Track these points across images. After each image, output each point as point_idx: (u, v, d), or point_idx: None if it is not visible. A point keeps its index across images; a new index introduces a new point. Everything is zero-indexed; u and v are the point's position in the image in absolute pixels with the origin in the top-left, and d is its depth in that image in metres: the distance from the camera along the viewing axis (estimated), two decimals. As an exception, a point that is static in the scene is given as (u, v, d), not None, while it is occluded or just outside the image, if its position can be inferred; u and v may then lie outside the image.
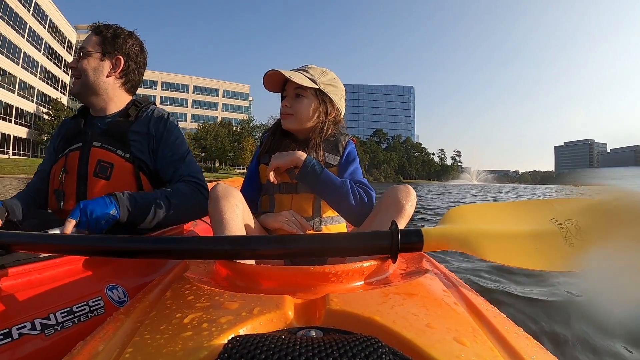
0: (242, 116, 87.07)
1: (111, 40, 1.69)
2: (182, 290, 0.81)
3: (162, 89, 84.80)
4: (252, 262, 1.14)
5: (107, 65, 1.68)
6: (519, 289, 2.34)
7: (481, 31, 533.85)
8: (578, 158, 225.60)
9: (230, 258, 0.96)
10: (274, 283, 0.88)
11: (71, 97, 60.58)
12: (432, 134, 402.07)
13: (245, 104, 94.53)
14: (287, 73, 1.44)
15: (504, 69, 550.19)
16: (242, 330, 0.58)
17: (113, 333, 0.65)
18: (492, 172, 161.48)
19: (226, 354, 0.41)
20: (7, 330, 0.92)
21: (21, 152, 48.41)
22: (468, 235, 0.90)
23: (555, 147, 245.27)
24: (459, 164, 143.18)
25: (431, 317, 0.64)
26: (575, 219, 0.91)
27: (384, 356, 0.41)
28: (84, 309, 1.11)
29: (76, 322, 1.07)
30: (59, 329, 1.01)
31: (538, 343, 0.70)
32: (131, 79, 1.78)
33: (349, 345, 0.42)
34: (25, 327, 0.95)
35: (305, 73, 1.50)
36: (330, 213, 1.49)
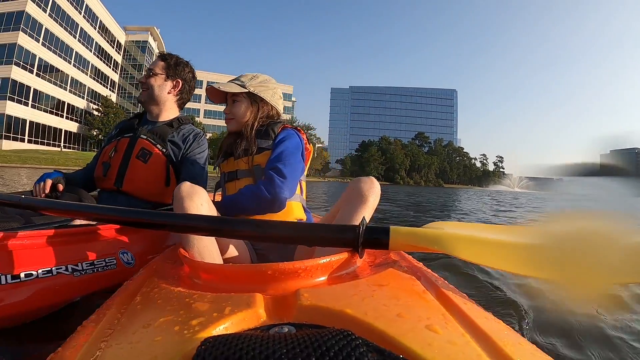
0: (286, 116, 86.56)
1: (174, 67, 2.21)
2: (151, 294, 0.82)
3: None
4: (220, 261, 1.23)
5: (169, 84, 2.20)
6: (487, 276, 2.40)
7: (534, 36, 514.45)
8: (624, 167, 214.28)
9: (214, 234, 1.15)
10: (243, 281, 0.88)
11: (120, 94, 63.83)
12: (474, 139, 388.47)
13: (288, 104, 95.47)
14: (217, 85, 1.69)
15: (554, 77, 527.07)
16: (215, 331, 0.58)
17: (84, 342, 0.66)
18: (534, 179, 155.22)
19: (200, 356, 0.41)
20: (50, 269, 1.35)
21: (72, 145, 50.62)
22: (441, 236, 0.86)
23: (600, 155, 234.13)
24: (501, 169, 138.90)
25: (402, 307, 0.64)
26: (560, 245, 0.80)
27: (357, 348, 0.41)
28: (102, 263, 1.54)
29: (95, 271, 1.50)
30: (83, 273, 1.45)
31: (507, 326, 0.71)
32: (184, 97, 2.29)
33: (322, 340, 0.42)
34: (61, 268, 1.39)
35: (236, 81, 1.70)
36: None
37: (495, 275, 2.39)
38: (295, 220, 1.54)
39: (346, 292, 0.71)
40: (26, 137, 41.42)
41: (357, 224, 0.92)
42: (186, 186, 1.25)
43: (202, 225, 1.02)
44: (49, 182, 1.95)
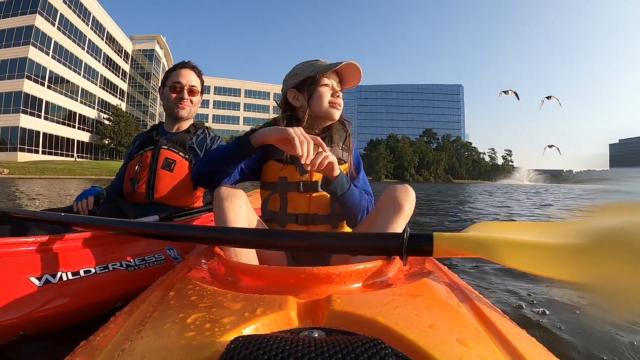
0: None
1: (202, 82, 2.32)
2: (185, 290, 0.83)
3: (214, 94, 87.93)
4: (256, 262, 1.20)
5: (199, 99, 2.31)
6: (522, 291, 2.27)
7: (538, 26, 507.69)
8: (634, 156, 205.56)
9: (257, 247, 1.16)
10: (277, 283, 0.88)
11: (129, 103, 64.45)
12: (482, 133, 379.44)
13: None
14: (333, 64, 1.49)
15: (558, 68, 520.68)
16: (245, 331, 0.59)
17: (116, 332, 0.66)
18: (544, 171, 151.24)
19: (229, 355, 0.41)
20: (106, 265, 1.48)
21: (84, 155, 51.35)
22: (485, 241, 0.81)
23: (609, 144, 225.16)
24: (510, 163, 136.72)
25: (434, 319, 0.63)
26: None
27: (387, 357, 0.41)
28: (152, 259, 1.68)
29: (146, 266, 1.63)
30: (136, 268, 1.59)
31: (541, 345, 0.69)
32: None
33: (352, 347, 0.42)
34: (116, 264, 1.52)
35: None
36: (339, 210, 1.48)
37: (534, 289, 2.30)
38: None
39: (378, 300, 0.71)
40: (40, 149, 42.14)
41: (401, 232, 0.90)
42: (226, 188, 1.23)
43: (245, 238, 1.01)
44: (92, 199, 2.03)
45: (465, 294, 0.85)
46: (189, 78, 2.23)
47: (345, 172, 1.46)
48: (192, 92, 2.23)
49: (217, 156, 1.40)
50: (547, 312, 1.91)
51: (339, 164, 1.42)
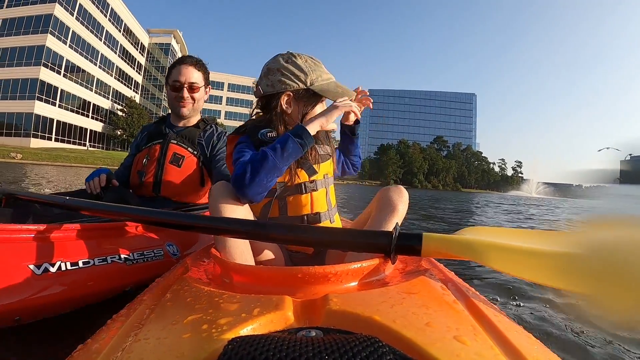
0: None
1: (206, 75, 2.28)
2: (181, 291, 0.83)
3: (228, 90, 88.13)
4: (252, 262, 1.20)
5: (204, 93, 2.29)
6: (519, 289, 2.32)
7: (555, 36, 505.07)
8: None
9: (249, 238, 1.15)
10: (273, 283, 0.88)
11: (143, 96, 64.75)
12: (493, 143, 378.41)
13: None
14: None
15: (573, 81, 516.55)
16: (243, 331, 0.58)
17: (114, 335, 0.67)
18: (554, 185, 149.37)
19: (226, 356, 0.41)
20: (104, 257, 1.48)
21: (96, 144, 51.96)
22: (475, 244, 0.82)
23: (620, 161, 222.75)
24: (520, 175, 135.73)
25: (431, 316, 0.63)
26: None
27: (384, 356, 0.40)
28: (150, 254, 1.67)
29: (144, 260, 1.63)
30: (134, 262, 1.58)
31: (538, 341, 0.69)
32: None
33: (349, 345, 0.42)
34: (115, 257, 1.52)
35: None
36: (333, 204, 1.48)
37: (529, 287, 2.34)
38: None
39: (375, 299, 0.71)
40: (53, 136, 42.70)
41: (391, 230, 0.91)
42: (222, 185, 1.22)
43: (237, 228, 1.03)
44: (104, 176, 2.00)
45: (462, 291, 0.86)
46: (188, 75, 2.19)
47: (332, 166, 1.52)
48: (192, 89, 2.20)
49: (274, 164, 1.20)
50: (544, 309, 1.94)
51: (325, 159, 1.46)
